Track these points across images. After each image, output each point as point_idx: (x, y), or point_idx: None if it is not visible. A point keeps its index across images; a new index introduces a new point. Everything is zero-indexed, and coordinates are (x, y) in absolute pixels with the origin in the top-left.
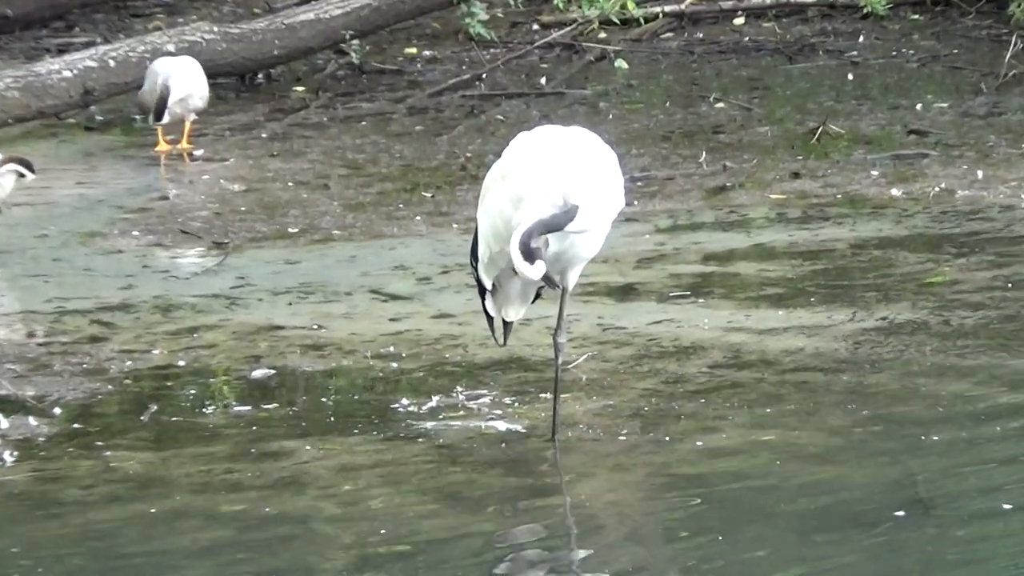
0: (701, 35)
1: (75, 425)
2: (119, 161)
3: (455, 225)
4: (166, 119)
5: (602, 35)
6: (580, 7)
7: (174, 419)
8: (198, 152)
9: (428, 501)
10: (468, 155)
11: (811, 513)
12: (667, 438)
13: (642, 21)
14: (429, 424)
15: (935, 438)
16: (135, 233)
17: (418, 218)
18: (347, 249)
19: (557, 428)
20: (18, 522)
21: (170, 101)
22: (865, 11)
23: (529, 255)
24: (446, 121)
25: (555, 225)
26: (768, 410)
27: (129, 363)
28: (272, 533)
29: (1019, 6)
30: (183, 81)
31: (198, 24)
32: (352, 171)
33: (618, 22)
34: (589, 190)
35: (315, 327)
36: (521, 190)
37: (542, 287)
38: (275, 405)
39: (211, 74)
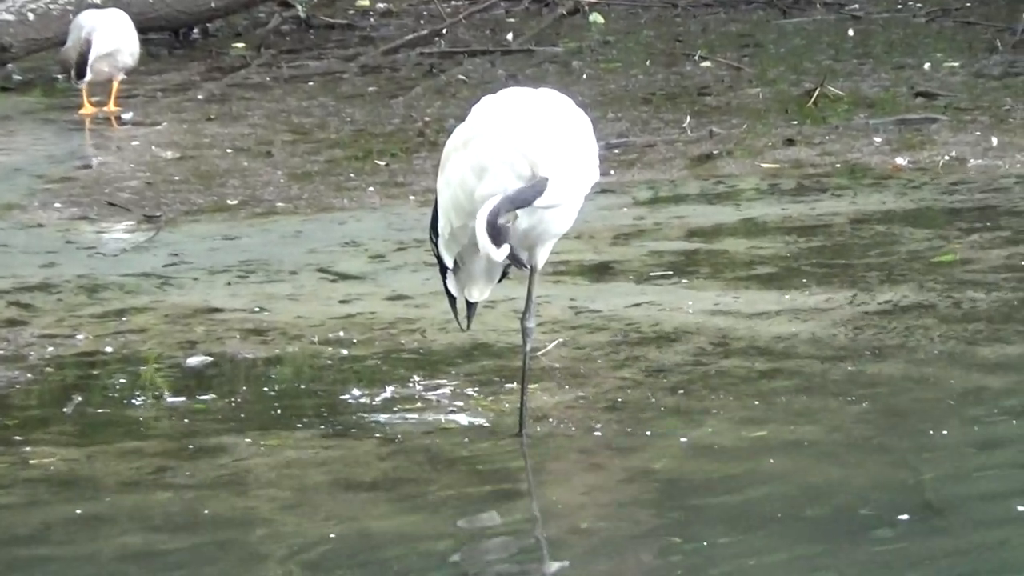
0: None
1: None
2: (39, 125)
3: (412, 197)
4: (88, 77)
5: None
6: None
7: (100, 411)
8: (127, 115)
9: (381, 502)
10: (426, 119)
11: (806, 517)
12: (647, 433)
13: None
14: (382, 417)
15: (944, 433)
16: (57, 205)
17: (371, 189)
18: (292, 223)
19: (525, 422)
20: None
21: (92, 56)
22: None
23: (496, 236)
24: (402, 81)
25: (523, 201)
26: (759, 403)
27: (51, 349)
28: (209, 537)
29: None
30: (109, 35)
31: None
32: (298, 137)
33: None
34: (560, 160)
35: (256, 310)
36: (485, 159)
37: (509, 266)
38: (212, 396)
39: (142, 28)
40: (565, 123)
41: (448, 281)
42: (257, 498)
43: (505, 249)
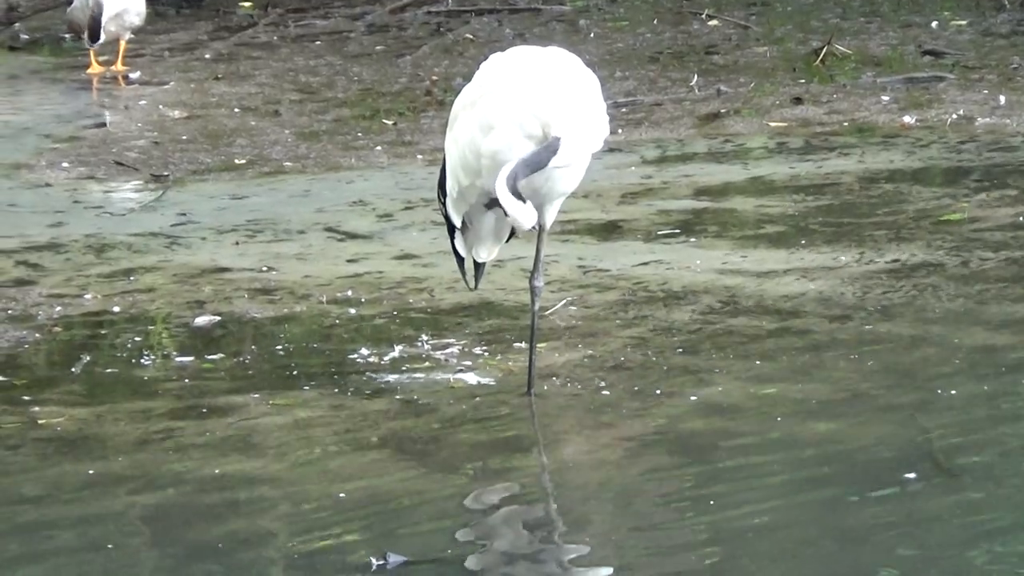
0: None
1: None
2: (47, 84)
3: (420, 156)
4: (102, 39)
5: None
6: None
7: (109, 371)
8: (134, 75)
9: (390, 461)
10: (434, 78)
11: (813, 475)
12: (656, 392)
13: None
14: (391, 377)
15: (952, 392)
16: (65, 164)
17: (378, 148)
18: (300, 182)
19: (533, 381)
20: None
21: (105, 18)
22: None
23: (521, 199)
24: (409, 40)
25: (538, 163)
26: (766, 361)
27: (59, 309)
28: (218, 497)
29: None
30: None
31: None
32: (305, 96)
33: None
34: (572, 119)
35: (264, 269)
36: (493, 118)
37: None
38: (220, 355)
39: None
40: (575, 82)
41: (456, 241)
42: (266, 457)
43: (532, 212)
